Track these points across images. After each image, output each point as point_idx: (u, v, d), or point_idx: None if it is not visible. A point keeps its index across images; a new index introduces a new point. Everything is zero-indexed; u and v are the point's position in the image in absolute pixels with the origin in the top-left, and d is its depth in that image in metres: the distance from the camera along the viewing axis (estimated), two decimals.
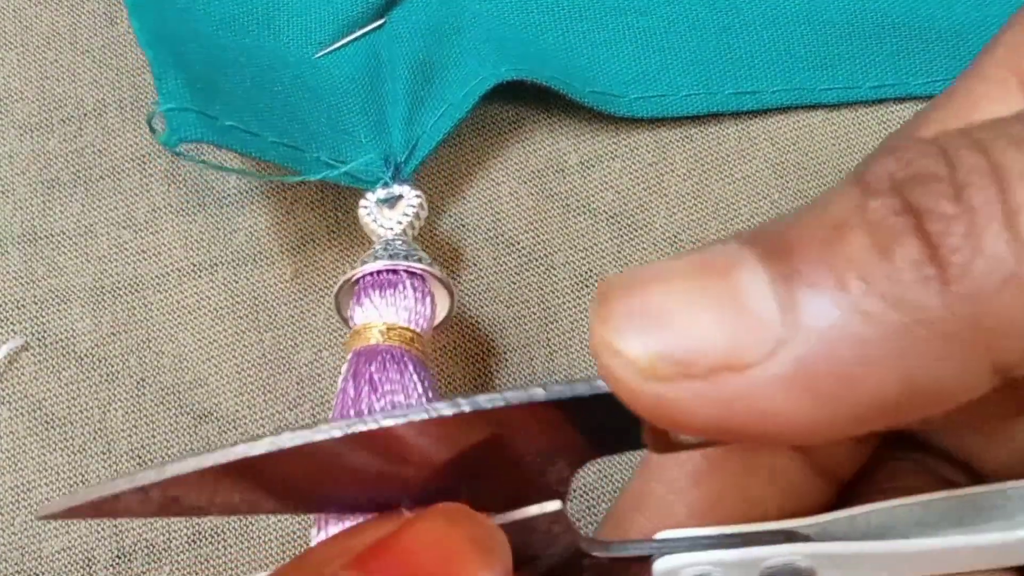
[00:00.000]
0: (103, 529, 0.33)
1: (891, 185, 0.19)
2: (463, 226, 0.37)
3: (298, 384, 0.35)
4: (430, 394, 0.31)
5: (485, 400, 0.21)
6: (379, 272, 0.32)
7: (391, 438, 0.21)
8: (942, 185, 0.19)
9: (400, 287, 0.32)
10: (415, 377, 0.31)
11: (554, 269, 0.36)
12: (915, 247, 0.18)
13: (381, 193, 0.34)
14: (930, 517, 0.25)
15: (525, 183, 0.37)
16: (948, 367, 0.19)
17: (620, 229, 0.37)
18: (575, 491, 0.33)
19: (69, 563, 0.32)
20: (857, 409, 0.19)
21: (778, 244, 0.19)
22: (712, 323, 0.19)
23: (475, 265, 0.36)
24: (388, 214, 0.34)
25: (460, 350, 0.35)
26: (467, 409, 0.21)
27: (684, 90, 0.38)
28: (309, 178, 0.34)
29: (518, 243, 0.37)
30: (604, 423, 0.22)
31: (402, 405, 0.30)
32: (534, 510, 0.23)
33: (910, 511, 0.25)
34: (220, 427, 0.34)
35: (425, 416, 0.21)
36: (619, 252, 0.36)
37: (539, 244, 0.37)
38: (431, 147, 0.36)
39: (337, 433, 0.21)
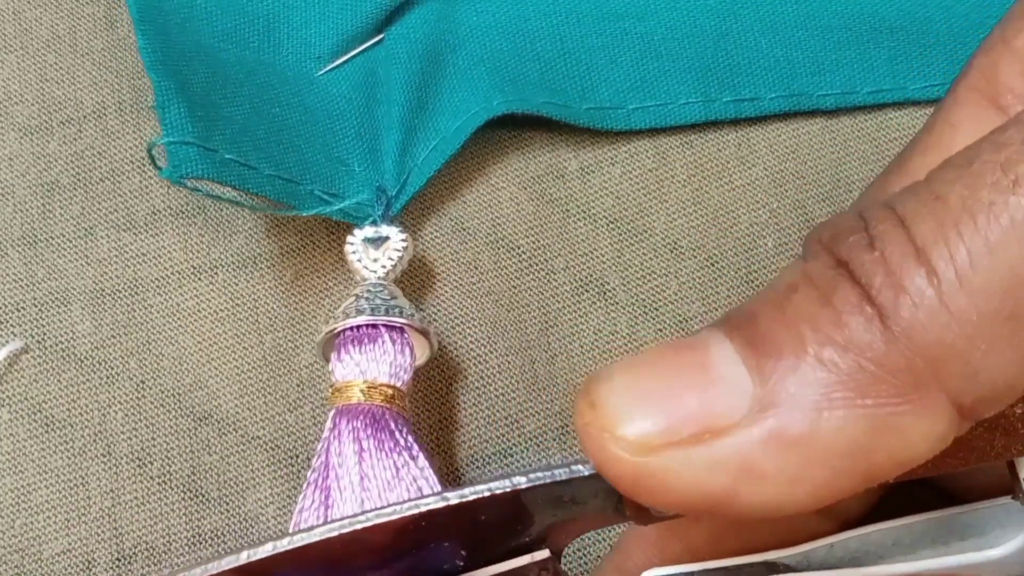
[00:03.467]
0: (103, 531, 0.33)
1: (822, 246, 0.21)
2: (463, 230, 0.37)
3: (298, 386, 0.35)
4: (413, 449, 0.32)
5: (470, 492, 0.23)
6: (358, 327, 0.33)
7: (382, 531, 0.23)
8: (858, 236, 0.21)
9: (380, 342, 0.33)
10: (397, 436, 0.32)
11: (554, 274, 0.36)
12: (851, 292, 0.20)
13: (369, 231, 0.35)
14: (906, 540, 0.25)
15: (525, 188, 0.37)
16: (907, 407, 0.20)
17: (620, 235, 0.37)
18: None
19: (69, 566, 0.32)
20: (831, 458, 0.20)
21: (741, 317, 0.22)
22: (689, 394, 0.21)
23: (475, 268, 0.36)
24: (373, 254, 0.34)
25: (461, 353, 0.35)
26: (454, 502, 0.23)
27: (683, 98, 0.38)
28: (303, 213, 0.34)
29: (518, 247, 0.37)
30: (588, 501, 0.23)
31: (392, 480, 0.31)
32: (525, 559, 0.25)
33: (886, 535, 0.25)
34: (220, 429, 0.34)
35: (416, 511, 0.23)
36: (618, 257, 0.37)
37: (539, 249, 0.37)
38: (422, 183, 0.36)
39: (333, 534, 0.23)
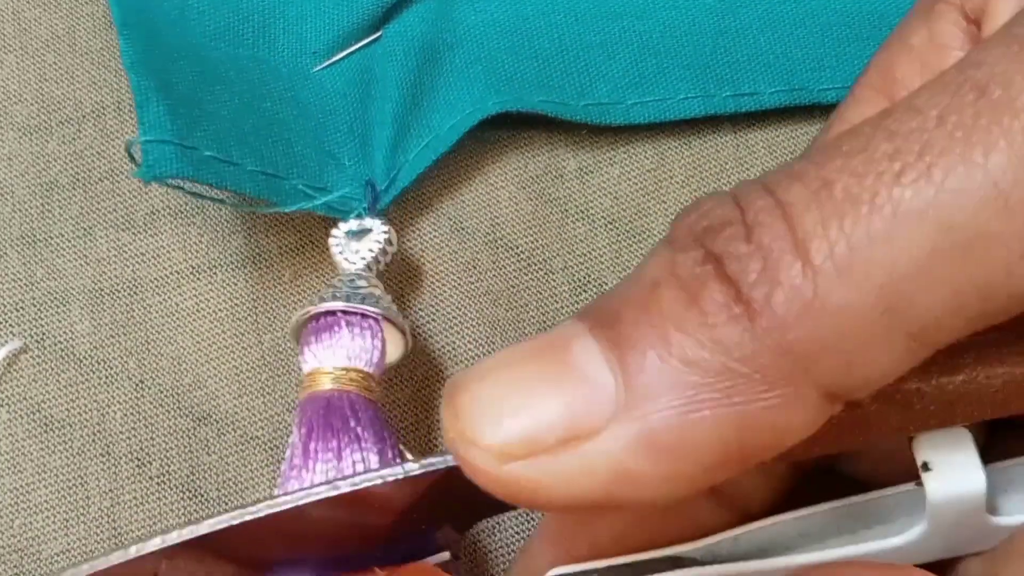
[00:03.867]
0: (102, 531, 0.33)
1: (693, 238, 0.20)
2: (462, 230, 0.37)
3: (297, 386, 0.35)
4: (364, 433, 0.32)
5: (361, 479, 0.23)
6: (319, 316, 0.32)
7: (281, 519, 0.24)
8: (734, 228, 0.20)
9: (336, 329, 0.32)
10: (350, 421, 0.31)
11: (552, 274, 0.36)
12: (719, 291, 0.20)
13: (352, 225, 0.35)
14: (813, 529, 0.25)
15: (523, 188, 0.38)
16: (776, 401, 0.20)
17: (618, 235, 0.37)
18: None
19: (69, 565, 0.32)
20: (702, 456, 0.20)
21: (605, 313, 0.21)
22: (553, 397, 0.20)
23: (474, 269, 0.36)
24: (355, 247, 0.34)
25: (459, 354, 0.35)
26: (345, 490, 0.23)
27: (682, 93, 0.38)
28: (284, 209, 0.34)
29: (516, 247, 0.37)
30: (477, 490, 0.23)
31: (334, 461, 0.31)
32: (430, 561, 0.26)
33: (792, 525, 0.25)
34: (219, 429, 0.34)
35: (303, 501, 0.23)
36: (617, 258, 0.37)
37: (537, 249, 0.37)
38: (411, 178, 0.36)
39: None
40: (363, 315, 0.32)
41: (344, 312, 0.32)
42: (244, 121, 0.35)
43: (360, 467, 0.31)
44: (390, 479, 0.23)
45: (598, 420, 0.20)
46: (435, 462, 0.23)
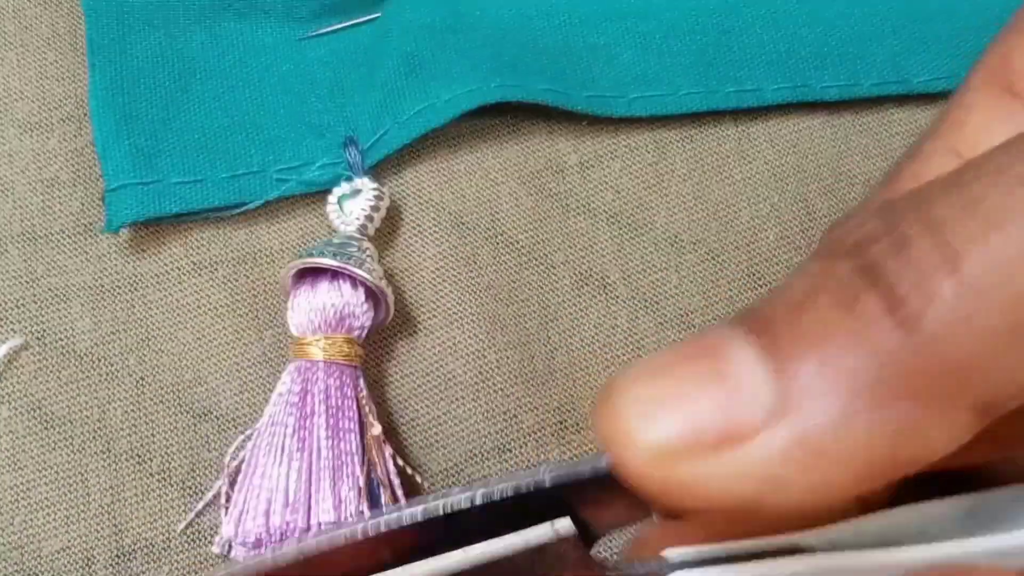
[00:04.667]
0: (102, 528, 0.33)
1: (847, 250, 0.21)
2: (462, 224, 0.37)
3: None
4: (364, 402, 0.33)
5: (496, 491, 0.22)
6: (306, 272, 0.34)
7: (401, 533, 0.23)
8: (886, 241, 0.20)
9: (328, 284, 0.33)
10: (352, 393, 0.33)
11: (554, 268, 0.36)
12: (875, 301, 0.20)
13: (345, 188, 0.35)
14: (934, 522, 0.25)
15: (524, 183, 0.37)
16: (930, 413, 0.20)
17: (620, 229, 0.37)
18: None
19: (69, 563, 0.32)
20: (853, 466, 0.20)
21: (760, 319, 0.21)
22: (710, 400, 0.21)
23: (474, 263, 0.36)
24: (349, 208, 0.35)
25: (460, 347, 0.35)
26: (479, 502, 0.22)
27: (684, 89, 0.38)
28: (258, 201, 0.35)
29: (517, 242, 0.37)
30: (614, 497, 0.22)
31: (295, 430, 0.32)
32: (545, 527, 0.24)
33: (914, 518, 0.25)
34: (219, 426, 0.34)
35: (440, 512, 0.22)
36: (619, 252, 0.36)
37: (538, 243, 0.37)
38: (403, 141, 0.36)
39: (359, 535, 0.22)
40: (352, 276, 0.33)
41: (335, 272, 0.33)
42: (217, 121, 0.36)
43: (311, 437, 0.32)
44: (524, 491, 0.23)
45: (753, 425, 0.20)
46: (567, 472, 0.23)
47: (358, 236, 0.34)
